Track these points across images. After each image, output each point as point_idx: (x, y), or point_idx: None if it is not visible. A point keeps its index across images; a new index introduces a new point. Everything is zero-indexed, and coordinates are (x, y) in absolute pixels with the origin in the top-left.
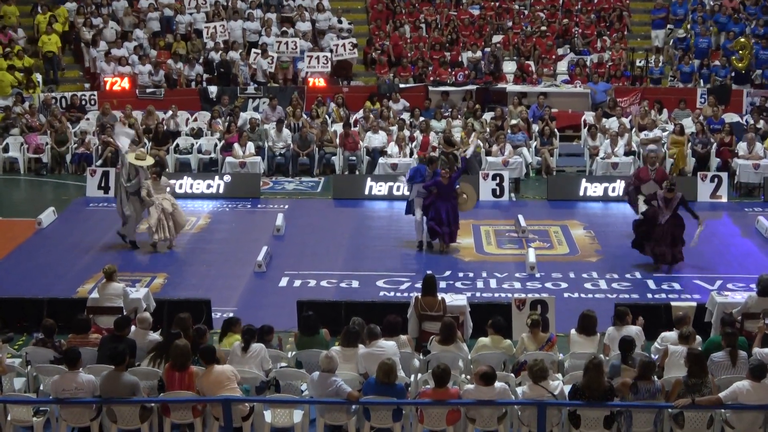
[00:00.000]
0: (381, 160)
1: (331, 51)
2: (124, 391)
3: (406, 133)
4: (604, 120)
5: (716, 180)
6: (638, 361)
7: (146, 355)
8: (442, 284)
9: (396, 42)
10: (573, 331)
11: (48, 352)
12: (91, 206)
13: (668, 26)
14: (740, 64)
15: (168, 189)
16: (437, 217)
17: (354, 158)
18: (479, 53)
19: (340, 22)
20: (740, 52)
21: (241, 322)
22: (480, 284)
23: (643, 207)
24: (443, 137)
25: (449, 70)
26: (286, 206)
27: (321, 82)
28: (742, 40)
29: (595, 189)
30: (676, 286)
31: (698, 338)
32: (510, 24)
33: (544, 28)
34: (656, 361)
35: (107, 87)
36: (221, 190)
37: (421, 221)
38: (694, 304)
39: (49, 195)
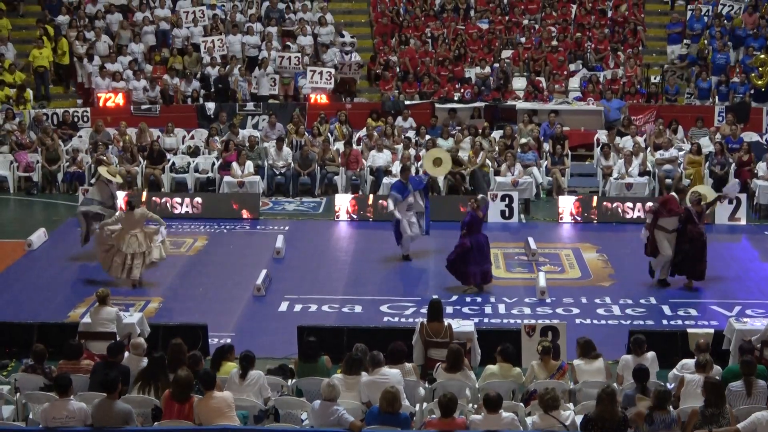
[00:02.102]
0: (385, 179)
1: (335, 67)
2: (117, 420)
3: (412, 152)
4: (617, 139)
5: (735, 201)
6: (653, 390)
7: (134, 383)
8: (449, 309)
9: (412, 55)
10: (575, 360)
11: (38, 379)
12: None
13: (684, 41)
14: (760, 82)
15: (149, 223)
16: (483, 256)
17: (357, 178)
18: (488, 69)
19: (341, 36)
20: (760, 68)
21: (234, 350)
22: (488, 309)
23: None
24: (450, 156)
25: (457, 86)
26: (287, 227)
27: (323, 99)
28: (762, 56)
29: None
30: (693, 312)
31: (716, 367)
32: (522, 39)
33: (555, 43)
34: (672, 390)
35: (101, 103)
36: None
37: (411, 234)
38: (712, 330)
39: (40, 215)
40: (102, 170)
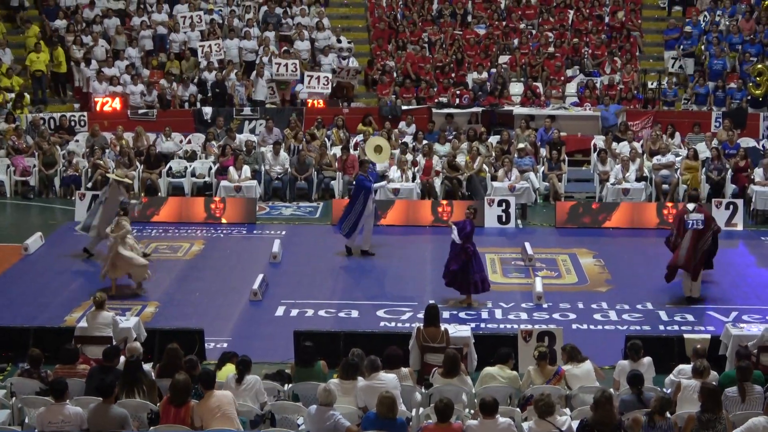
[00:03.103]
0: (382, 183)
1: (333, 71)
2: (113, 425)
3: (409, 157)
4: (614, 144)
5: (731, 207)
6: (656, 395)
7: (120, 390)
8: (445, 314)
9: (413, 60)
10: (564, 366)
11: (34, 383)
12: (80, 231)
13: (682, 47)
14: (758, 92)
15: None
16: (480, 264)
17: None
18: (485, 74)
19: (339, 41)
20: (758, 78)
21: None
22: (485, 315)
23: None
24: (447, 161)
25: (454, 91)
26: (283, 232)
27: (320, 104)
28: (760, 66)
29: None
30: (690, 317)
31: (713, 373)
32: (517, 43)
33: (551, 49)
34: (669, 395)
35: (98, 107)
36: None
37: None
38: (708, 336)
39: (37, 219)
40: (112, 176)
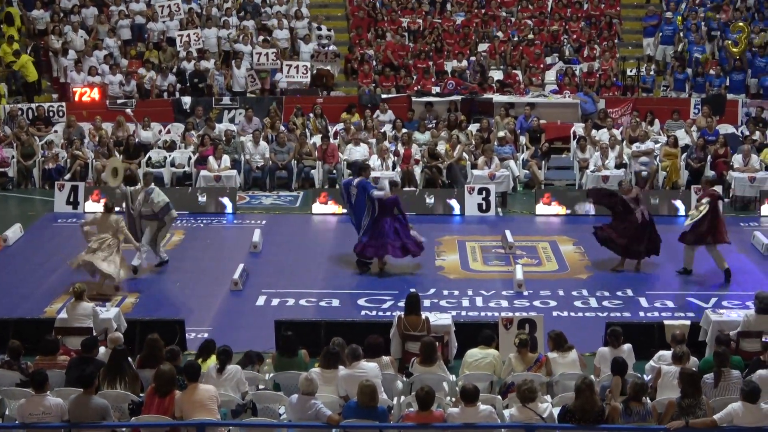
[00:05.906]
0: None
1: (312, 56)
2: (94, 415)
3: (389, 145)
4: (594, 131)
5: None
6: (630, 382)
7: (103, 380)
8: (426, 303)
9: (393, 49)
10: (549, 353)
11: (14, 375)
12: (60, 222)
13: (660, 34)
14: (735, 49)
15: (119, 233)
16: (395, 231)
17: (335, 172)
18: (464, 62)
19: (318, 29)
20: (737, 36)
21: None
22: (466, 302)
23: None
24: (428, 149)
25: (433, 79)
26: (264, 222)
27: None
28: (741, 24)
29: None
30: (670, 303)
31: (693, 359)
32: (499, 34)
33: (531, 36)
34: (649, 381)
35: (76, 98)
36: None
37: None
38: (688, 322)
39: (15, 210)
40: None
